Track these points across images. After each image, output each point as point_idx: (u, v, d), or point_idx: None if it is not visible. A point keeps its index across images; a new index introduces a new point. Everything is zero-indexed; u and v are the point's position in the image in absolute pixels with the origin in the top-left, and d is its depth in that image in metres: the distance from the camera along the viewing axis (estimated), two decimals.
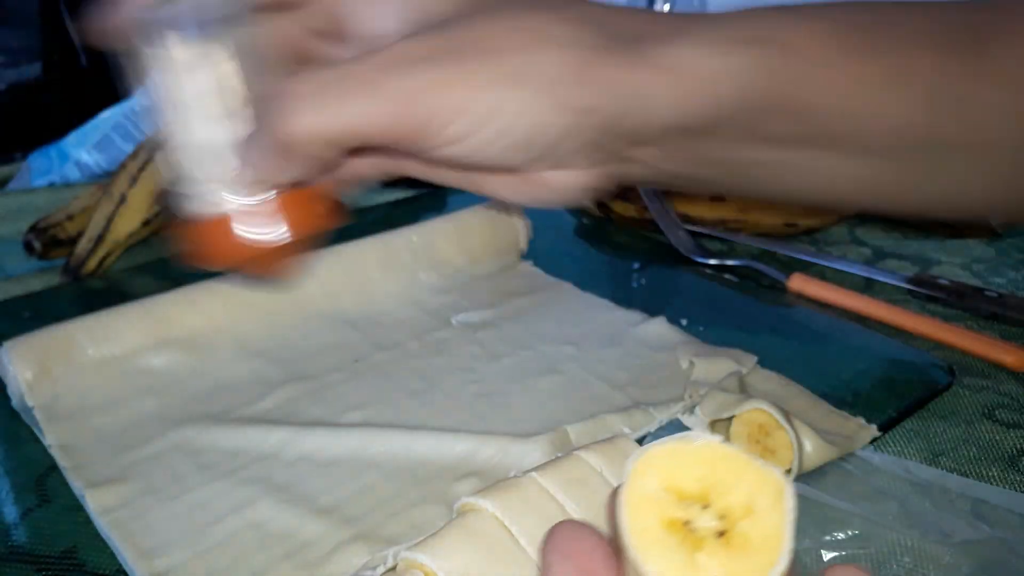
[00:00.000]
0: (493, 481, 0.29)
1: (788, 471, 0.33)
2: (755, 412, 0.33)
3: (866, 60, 0.28)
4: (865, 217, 0.58)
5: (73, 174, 0.62)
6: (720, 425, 0.35)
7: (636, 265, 0.53)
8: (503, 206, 0.47)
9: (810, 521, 0.32)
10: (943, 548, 0.30)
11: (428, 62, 0.26)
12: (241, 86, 0.28)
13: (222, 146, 0.28)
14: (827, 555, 0.30)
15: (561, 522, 0.20)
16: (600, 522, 0.28)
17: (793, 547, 0.19)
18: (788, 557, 0.19)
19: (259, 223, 0.29)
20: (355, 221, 0.58)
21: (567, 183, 0.31)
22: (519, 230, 0.51)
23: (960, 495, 0.32)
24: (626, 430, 0.35)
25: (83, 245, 0.50)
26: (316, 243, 0.31)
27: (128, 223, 0.51)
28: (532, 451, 0.34)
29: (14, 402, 0.38)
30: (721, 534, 0.19)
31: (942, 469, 0.34)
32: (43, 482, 0.34)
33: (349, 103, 0.26)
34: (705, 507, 0.20)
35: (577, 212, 0.59)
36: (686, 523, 0.20)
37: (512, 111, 0.27)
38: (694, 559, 0.19)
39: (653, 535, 0.20)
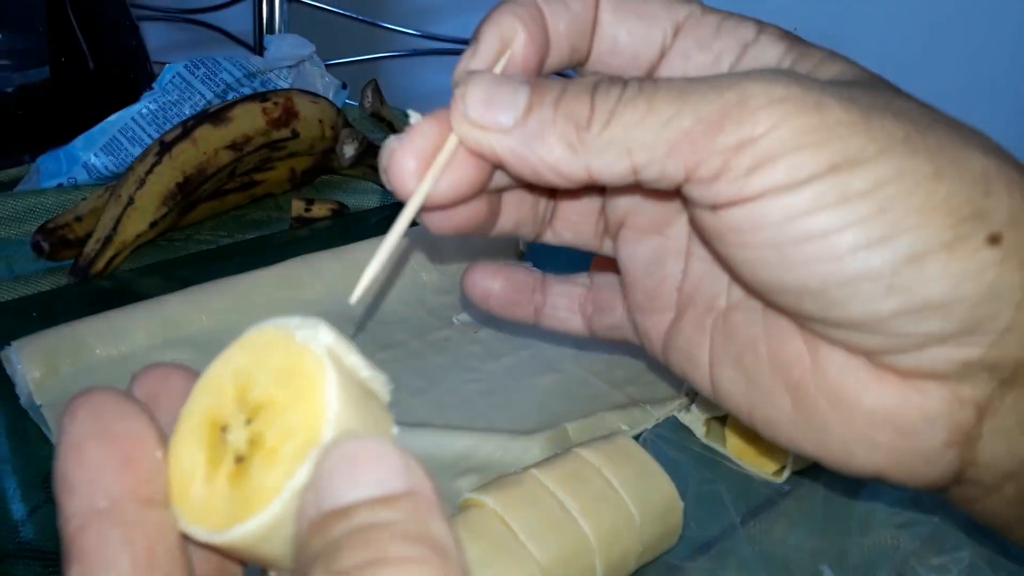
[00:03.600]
0: (493, 477, 0.30)
1: (783, 468, 0.33)
2: None
3: None
4: None
5: (81, 176, 0.62)
6: (716, 423, 0.36)
7: None
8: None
9: (804, 520, 0.32)
10: (934, 552, 0.30)
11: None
12: None
13: None
14: (817, 555, 0.31)
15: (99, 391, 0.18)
16: (598, 519, 0.28)
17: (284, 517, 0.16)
18: (267, 521, 0.16)
19: None
20: (358, 222, 0.59)
21: (923, 400, 0.22)
22: None
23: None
24: (624, 427, 0.36)
25: (91, 246, 0.51)
26: None
27: (136, 224, 0.52)
28: (532, 448, 0.34)
29: (22, 400, 0.38)
30: (239, 460, 0.17)
31: None
32: (50, 480, 0.34)
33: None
34: (249, 421, 0.17)
35: None
36: (224, 428, 0.17)
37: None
38: (201, 472, 0.17)
39: (193, 426, 0.18)
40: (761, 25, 0.26)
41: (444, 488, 0.33)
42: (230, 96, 0.67)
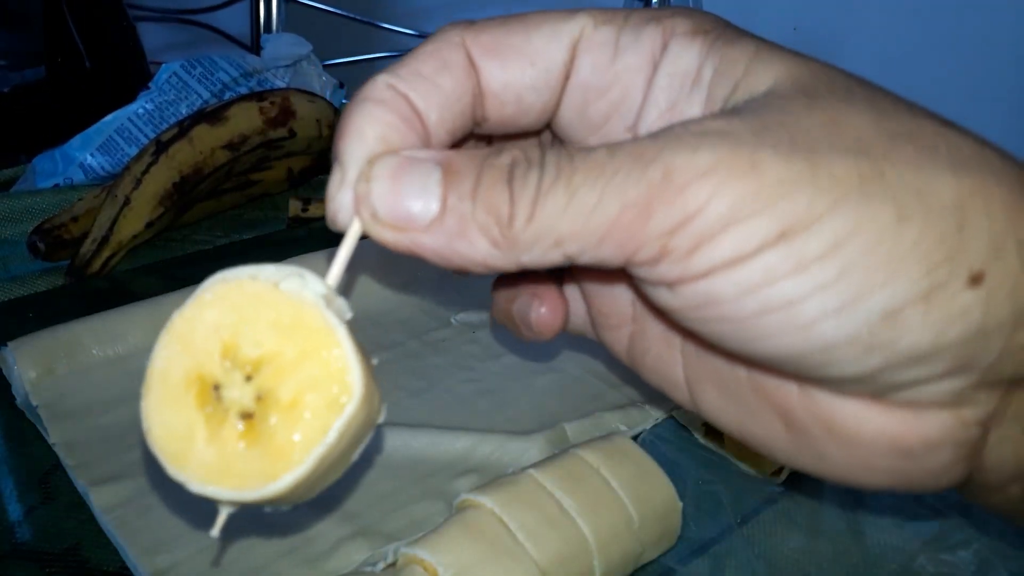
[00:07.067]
0: (492, 478, 0.30)
1: (782, 468, 0.33)
2: None
3: None
4: None
5: (77, 176, 0.62)
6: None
7: None
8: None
9: (803, 521, 0.32)
10: (939, 549, 0.30)
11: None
12: None
13: None
14: (817, 556, 0.30)
15: None
16: (597, 519, 0.28)
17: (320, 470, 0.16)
18: (305, 474, 0.15)
19: None
20: None
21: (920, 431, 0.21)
22: None
23: (949, 497, 0.33)
24: (622, 427, 0.36)
25: (87, 246, 0.51)
26: None
27: (132, 225, 0.51)
28: (530, 448, 0.34)
29: (18, 401, 0.38)
30: (248, 417, 0.16)
31: None
32: (47, 480, 0.34)
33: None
34: (250, 377, 0.16)
35: None
36: (217, 387, 0.16)
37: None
38: (201, 433, 0.16)
39: (173, 385, 0.17)
40: (664, 25, 0.23)
41: (443, 488, 0.33)
42: (227, 96, 0.66)
